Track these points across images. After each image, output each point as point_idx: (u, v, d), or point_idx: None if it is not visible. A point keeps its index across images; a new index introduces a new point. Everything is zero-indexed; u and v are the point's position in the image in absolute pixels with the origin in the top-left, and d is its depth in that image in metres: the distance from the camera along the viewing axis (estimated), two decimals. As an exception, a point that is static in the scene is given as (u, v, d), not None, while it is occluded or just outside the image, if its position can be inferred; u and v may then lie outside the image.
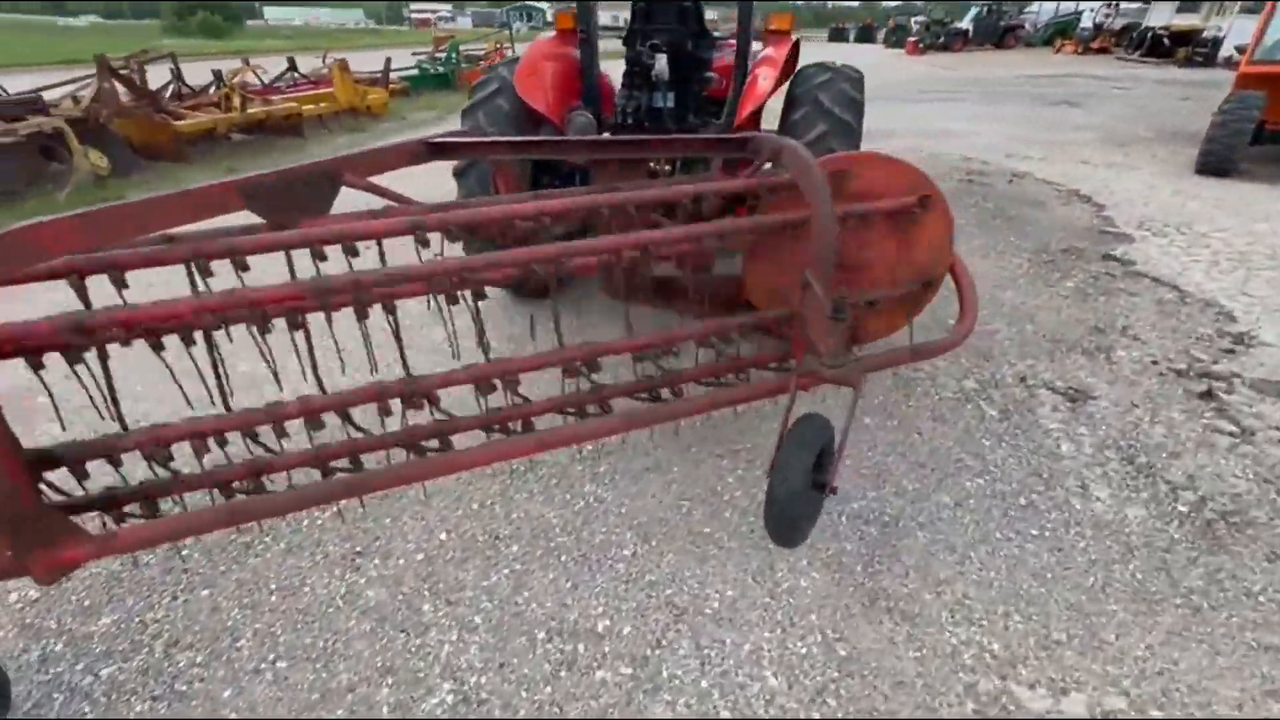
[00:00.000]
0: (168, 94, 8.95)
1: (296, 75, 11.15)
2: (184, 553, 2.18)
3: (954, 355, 3.38)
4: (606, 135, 3.10)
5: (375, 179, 2.14)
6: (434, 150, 2.38)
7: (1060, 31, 30.83)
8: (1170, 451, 2.67)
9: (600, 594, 2.03)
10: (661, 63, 3.30)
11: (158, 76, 9.08)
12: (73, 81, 7.64)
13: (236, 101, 8.32)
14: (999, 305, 3.99)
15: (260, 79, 11.11)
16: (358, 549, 2.20)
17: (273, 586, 2.06)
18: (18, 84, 8.34)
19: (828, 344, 1.98)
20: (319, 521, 2.31)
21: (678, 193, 1.96)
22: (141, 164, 7.31)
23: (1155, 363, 3.34)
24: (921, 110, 12.26)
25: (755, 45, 3.58)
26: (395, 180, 2.18)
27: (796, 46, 3.42)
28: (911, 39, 31.07)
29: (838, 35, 49.82)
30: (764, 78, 2.99)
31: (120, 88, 7.30)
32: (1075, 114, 11.64)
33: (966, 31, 31.32)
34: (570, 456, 2.64)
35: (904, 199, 2.11)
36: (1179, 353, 3.43)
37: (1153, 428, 2.82)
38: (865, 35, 46.12)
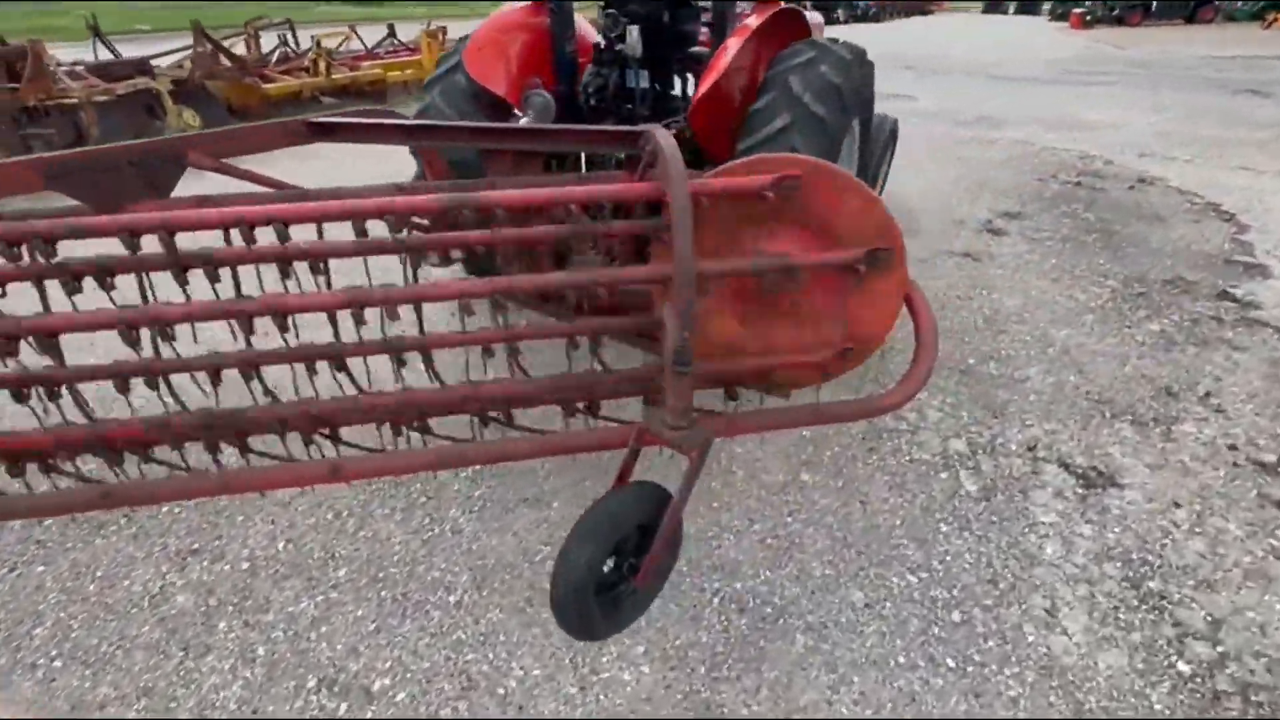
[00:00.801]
0: (274, 59, 9.57)
1: (395, 41, 11.55)
2: (46, 522, 2.21)
3: (952, 406, 2.78)
4: (523, 122, 2.76)
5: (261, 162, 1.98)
6: (317, 130, 2.18)
7: (1275, 3, 25.49)
8: (1201, 580, 1.99)
9: (398, 646, 1.80)
10: (633, 36, 2.88)
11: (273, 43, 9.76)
12: (188, 48, 8.32)
13: (323, 67, 8.72)
14: (1044, 345, 3.25)
15: (364, 44, 11.62)
16: (195, 546, 2.13)
17: (99, 574, 2.03)
18: (151, 49, 9.23)
19: (671, 399, 1.58)
20: (177, 511, 2.26)
21: (519, 198, 1.61)
22: (231, 123, 7.86)
23: (1233, 448, 2.54)
24: (1057, 96, 10.57)
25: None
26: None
27: (792, 16, 2.84)
28: (1077, 11, 27.08)
29: (994, 7, 44.66)
30: (729, 56, 2.50)
31: (220, 54, 7.84)
32: (1259, 107, 9.50)
33: (1148, 3, 26.76)
34: (454, 472, 2.41)
35: (843, 252, 1.58)
36: (1273, 439, 2.59)
37: (1189, 541, 2.12)
38: (1028, 7, 40.92)
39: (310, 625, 1.86)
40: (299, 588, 1.98)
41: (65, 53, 8.06)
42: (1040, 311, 3.57)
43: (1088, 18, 26.40)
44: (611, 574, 1.60)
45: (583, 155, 2.95)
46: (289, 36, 10.31)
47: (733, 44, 2.49)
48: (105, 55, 7.50)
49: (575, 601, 1.48)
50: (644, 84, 3.00)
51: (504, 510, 2.26)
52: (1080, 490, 2.33)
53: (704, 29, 3.13)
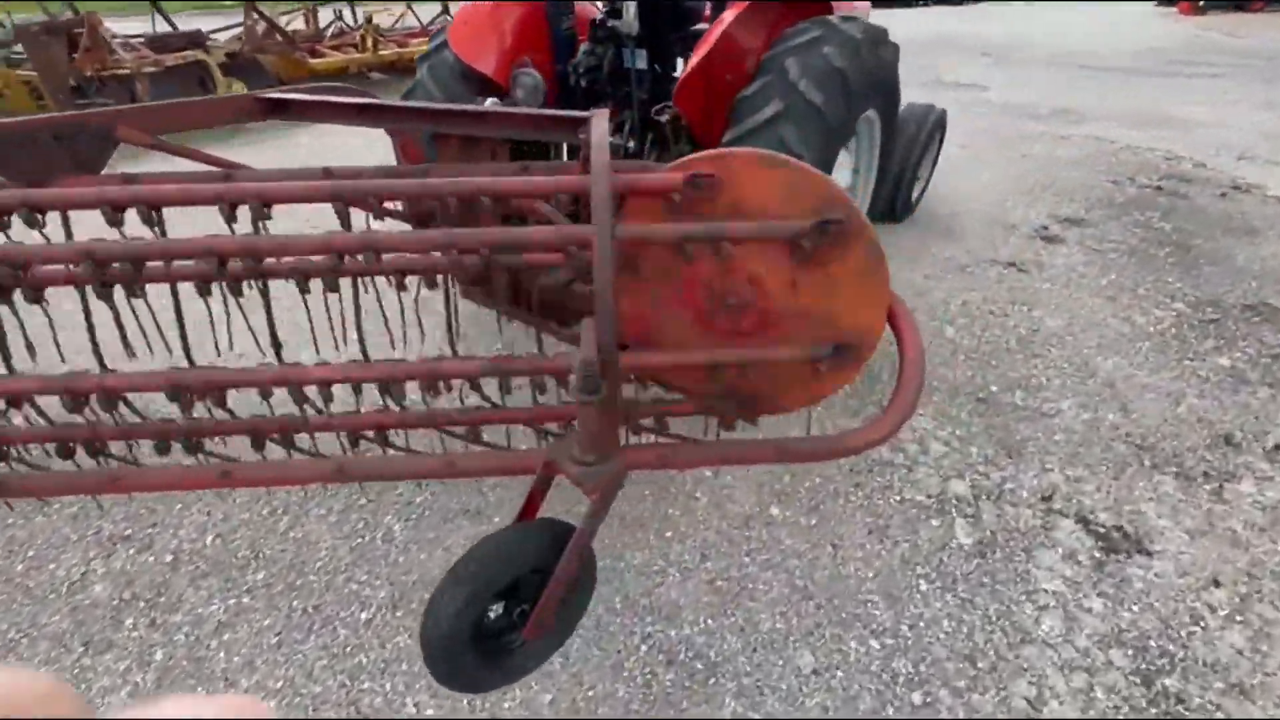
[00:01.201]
0: (328, 34, 9.72)
1: (448, 18, 11.55)
2: (-2, 495, 2.21)
3: (961, 439, 2.45)
4: (493, 103, 2.55)
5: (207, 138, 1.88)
6: (270, 107, 2.06)
7: None
8: (1233, 683, 1.64)
9: (295, 664, 1.69)
10: (629, 12, 2.63)
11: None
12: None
13: (370, 43, 8.78)
14: (1084, 375, 2.84)
15: (420, 21, 11.68)
16: (128, 533, 2.08)
17: (30, 554, 2.01)
18: (216, 22, 9.49)
19: (581, 429, 1.38)
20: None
21: (411, 188, 1.41)
22: (280, 98, 8.01)
23: (1301, 516, 2.13)
24: (1151, 89, 9.54)
25: None
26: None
27: None
28: (1190, -7, 24.54)
29: (1096, -13, 41.15)
30: (720, 32, 2.21)
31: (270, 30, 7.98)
32: (1399, 105, 8.29)
33: (1275, -15, 23.93)
34: (401, 475, 2.28)
35: (786, 222, 1.34)
36: (1356, 509, 2.15)
37: (1226, 631, 1.77)
38: (1135, -12, 37.47)
39: (214, 631, 1.77)
40: (214, 588, 1.90)
41: (130, 25, 8.40)
42: (1086, 334, 3.15)
43: (1200, 2, 23.91)
44: (500, 620, 1.43)
45: (564, 144, 2.74)
46: (345, 11, 10.45)
47: (728, 17, 2.21)
48: (165, 28, 7.74)
49: (443, 652, 1.31)
50: (641, 64, 2.75)
51: (442, 520, 2.12)
52: (1098, 554, 1.99)
53: (709, 5, 2.85)
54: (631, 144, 2.82)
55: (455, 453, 1.51)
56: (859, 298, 1.30)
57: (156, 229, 1.28)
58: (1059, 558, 1.98)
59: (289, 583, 1.91)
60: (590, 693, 1.63)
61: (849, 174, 2.74)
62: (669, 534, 2.07)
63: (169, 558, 1.99)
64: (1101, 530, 2.08)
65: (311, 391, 1.36)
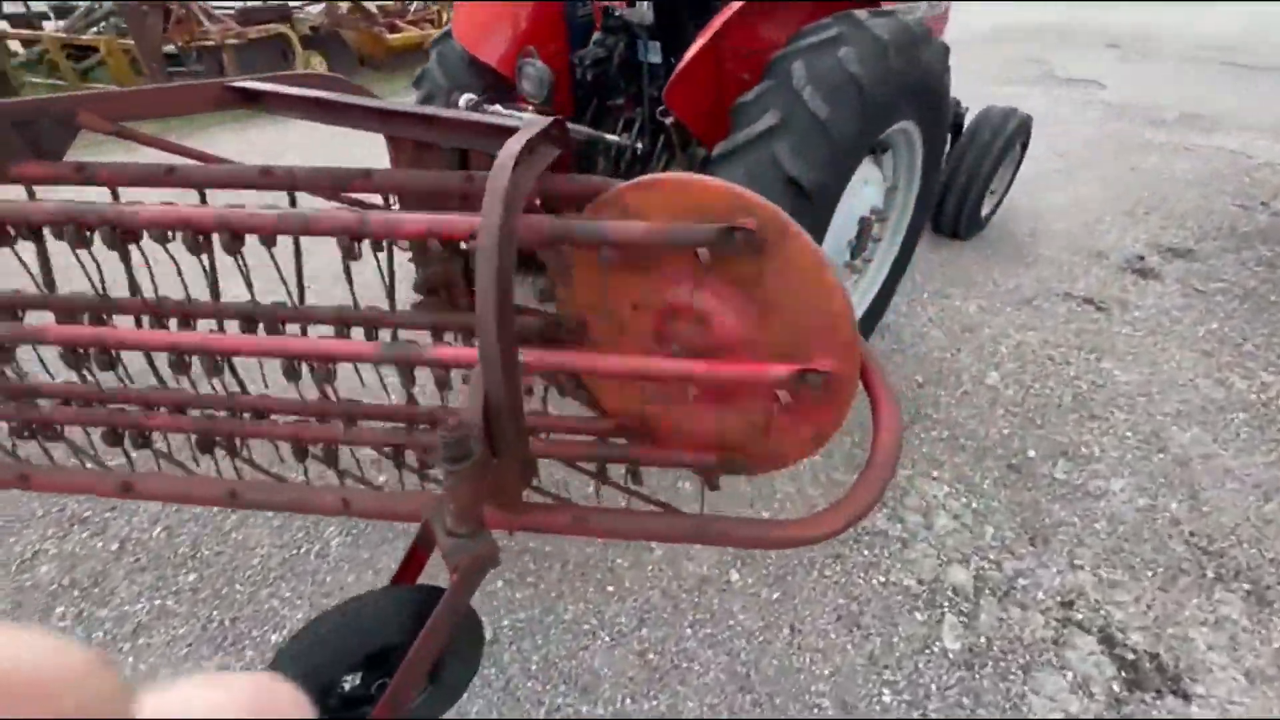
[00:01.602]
0: (411, 9, 9.89)
1: (531, -5, 11.50)
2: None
3: (976, 514, 2.10)
4: (468, 100, 2.35)
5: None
6: (239, 96, 1.98)
7: None
8: None
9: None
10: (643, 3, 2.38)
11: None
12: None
13: (444, 19, 8.85)
14: (1150, 448, 2.38)
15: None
16: (87, 514, 2.12)
17: (-2, 525, 2.08)
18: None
19: (449, 499, 1.20)
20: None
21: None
22: (357, 69, 8.23)
23: None
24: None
25: None
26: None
27: None
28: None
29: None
30: (718, 24, 1.90)
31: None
32: None
33: None
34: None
35: (678, 225, 1.08)
36: None
37: (1271, 821, 1.39)
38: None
39: (132, 633, 1.76)
40: (146, 584, 1.89)
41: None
42: (1164, 397, 2.65)
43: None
44: (357, 690, 1.30)
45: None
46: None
47: (734, 7, 1.92)
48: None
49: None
50: (655, 58, 2.49)
51: (381, 540, 2.02)
52: (1119, 687, 1.63)
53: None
54: (640, 145, 2.58)
55: (351, 490, 1.39)
56: (809, 325, 1.04)
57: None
58: (1067, 685, 1.64)
59: (215, 589, 1.87)
60: (476, 768, 1.48)
61: (878, 192, 2.38)
62: (610, 588, 1.88)
63: (115, 545, 2.01)
64: (1130, 656, 1.70)
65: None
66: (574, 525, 1.36)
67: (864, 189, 2.27)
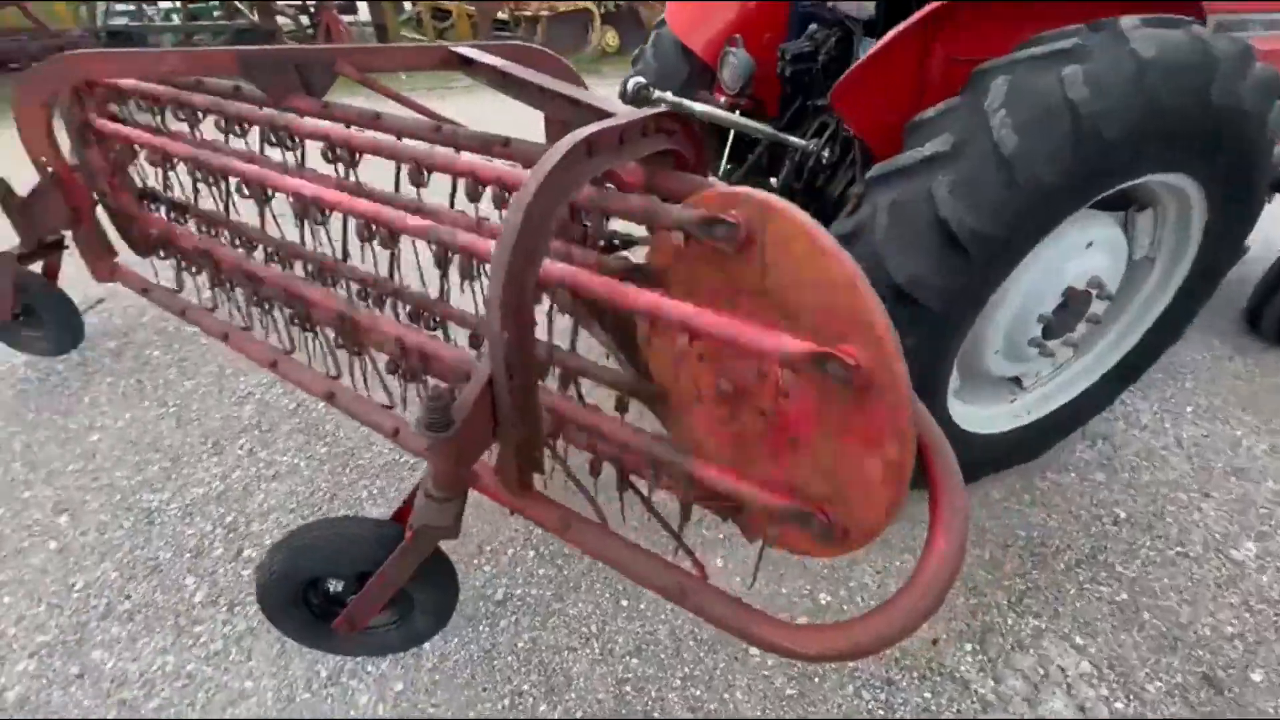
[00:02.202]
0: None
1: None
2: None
3: None
4: (636, 84, 2.18)
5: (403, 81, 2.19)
6: (458, 60, 2.23)
7: None
8: None
9: (151, 652, 1.67)
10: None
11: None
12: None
13: None
14: None
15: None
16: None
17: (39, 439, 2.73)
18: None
19: (430, 465, 1.25)
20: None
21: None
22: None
23: None
24: None
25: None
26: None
27: None
28: None
29: None
30: (915, 25, 1.50)
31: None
32: None
33: None
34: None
35: (770, 333, 0.95)
36: None
37: None
38: None
39: (272, 476, 2.20)
40: (295, 444, 2.33)
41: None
42: None
43: None
44: (325, 595, 1.45)
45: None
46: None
47: (946, 3, 1.56)
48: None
49: (267, 597, 1.39)
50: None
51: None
52: None
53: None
54: (827, 153, 2.31)
55: (338, 386, 1.58)
56: (830, 311, 0.90)
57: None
58: None
59: (334, 466, 2.24)
60: None
61: (1109, 260, 1.78)
62: (625, 603, 1.80)
63: (293, 406, 2.51)
64: None
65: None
66: (559, 527, 1.33)
67: (1083, 252, 1.72)
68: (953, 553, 1.03)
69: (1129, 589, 1.87)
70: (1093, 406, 2.17)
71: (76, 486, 2.14)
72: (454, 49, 2.23)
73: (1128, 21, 1.39)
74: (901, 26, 1.61)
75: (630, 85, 2.19)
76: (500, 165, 1.42)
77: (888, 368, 0.86)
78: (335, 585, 1.44)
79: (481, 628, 1.74)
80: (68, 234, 2.37)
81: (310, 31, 7.69)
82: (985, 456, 2.04)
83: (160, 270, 2.22)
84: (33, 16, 6.74)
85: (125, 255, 2.29)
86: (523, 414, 1.25)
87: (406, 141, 1.63)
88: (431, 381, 1.49)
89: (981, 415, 2.03)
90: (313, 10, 7.64)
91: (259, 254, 2.03)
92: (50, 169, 2.17)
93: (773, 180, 2.50)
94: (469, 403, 1.20)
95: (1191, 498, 2.16)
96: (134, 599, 1.80)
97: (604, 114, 1.52)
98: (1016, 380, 2.12)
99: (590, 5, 7.98)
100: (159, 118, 2.09)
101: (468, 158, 1.45)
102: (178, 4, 7.22)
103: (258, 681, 1.60)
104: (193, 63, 2.10)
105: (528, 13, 7.60)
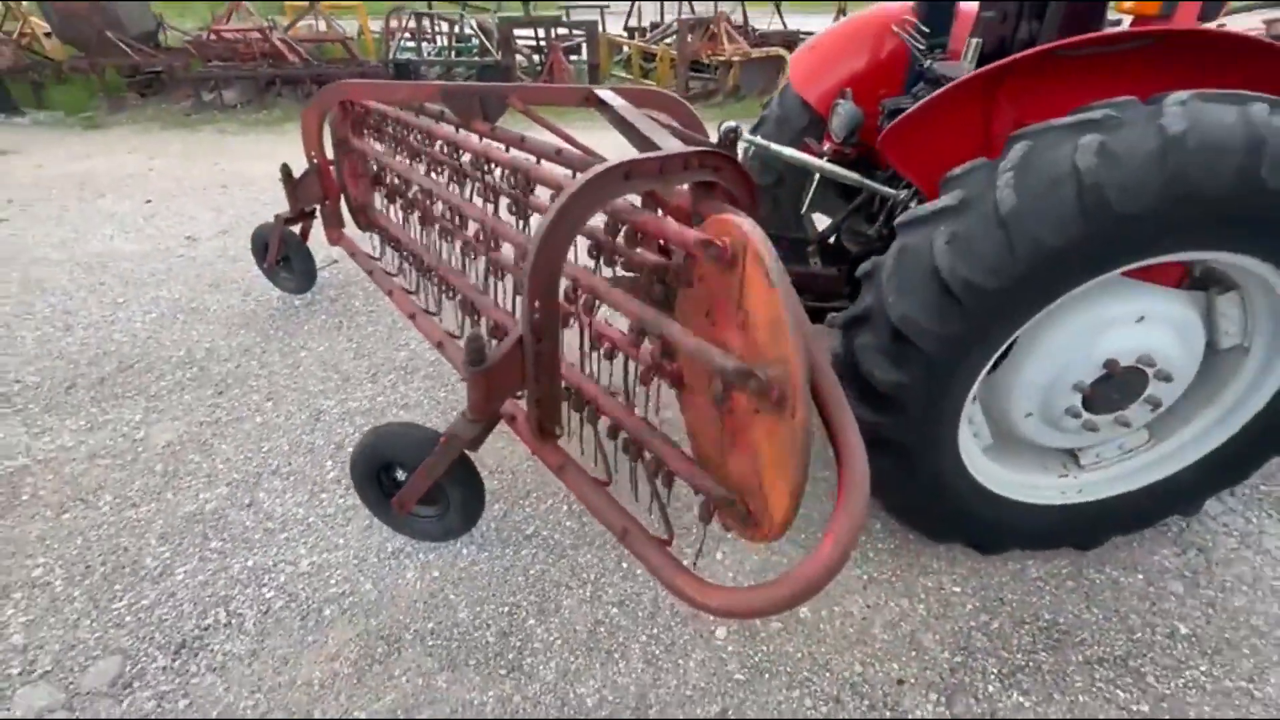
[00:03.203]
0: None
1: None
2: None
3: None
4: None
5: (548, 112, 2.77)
6: (596, 100, 2.72)
7: None
8: None
9: (292, 503, 2.54)
10: (970, 51, 2.07)
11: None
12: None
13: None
14: None
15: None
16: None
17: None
18: (820, 22, 10.84)
19: (469, 392, 1.67)
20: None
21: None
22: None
23: None
24: None
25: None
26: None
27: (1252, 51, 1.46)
28: None
29: None
30: (965, 84, 1.50)
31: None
32: None
33: None
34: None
35: (711, 349, 1.21)
36: None
37: None
38: None
39: (392, 391, 2.84)
40: (417, 386, 2.97)
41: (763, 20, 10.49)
42: None
43: None
44: (394, 481, 1.93)
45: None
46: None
47: (1002, 64, 1.63)
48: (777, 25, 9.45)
49: (354, 470, 1.91)
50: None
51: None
52: None
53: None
54: (915, 203, 2.39)
55: (448, 339, 2.08)
56: (765, 337, 1.11)
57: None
58: None
59: (433, 384, 2.82)
60: (452, 597, 1.98)
61: (1178, 339, 1.64)
62: (626, 566, 2.07)
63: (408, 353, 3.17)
64: None
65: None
66: (557, 468, 1.68)
67: (1131, 326, 1.64)
68: (835, 559, 1.13)
69: (1153, 703, 1.69)
70: (1166, 505, 1.96)
71: (282, 385, 2.97)
72: (596, 90, 2.72)
73: (1177, 95, 1.38)
74: (957, 81, 1.72)
75: (722, 128, 2.49)
76: (561, 174, 1.82)
77: (796, 396, 1.04)
78: (401, 475, 1.93)
79: (508, 550, 2.13)
80: (318, 208, 3.28)
81: (540, 68, 9.04)
82: (1018, 526, 1.96)
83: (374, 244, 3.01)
84: (350, 50, 8.89)
85: (350, 229, 3.12)
86: (543, 372, 1.62)
87: (517, 154, 2.11)
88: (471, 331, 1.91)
89: (1020, 482, 1.96)
90: (545, 50, 8.99)
91: (426, 238, 2.66)
92: (314, 160, 3.06)
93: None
94: (500, 352, 1.61)
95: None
96: (292, 466, 2.49)
97: (677, 150, 1.86)
98: (1075, 456, 2.01)
99: (783, 52, 8.33)
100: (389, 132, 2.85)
101: (548, 167, 1.89)
102: (445, 44, 8.99)
103: (347, 541, 2.16)
104: (413, 92, 2.84)
105: (722, 57, 8.17)
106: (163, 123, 7.97)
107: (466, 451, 1.80)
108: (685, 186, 1.68)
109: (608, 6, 10.53)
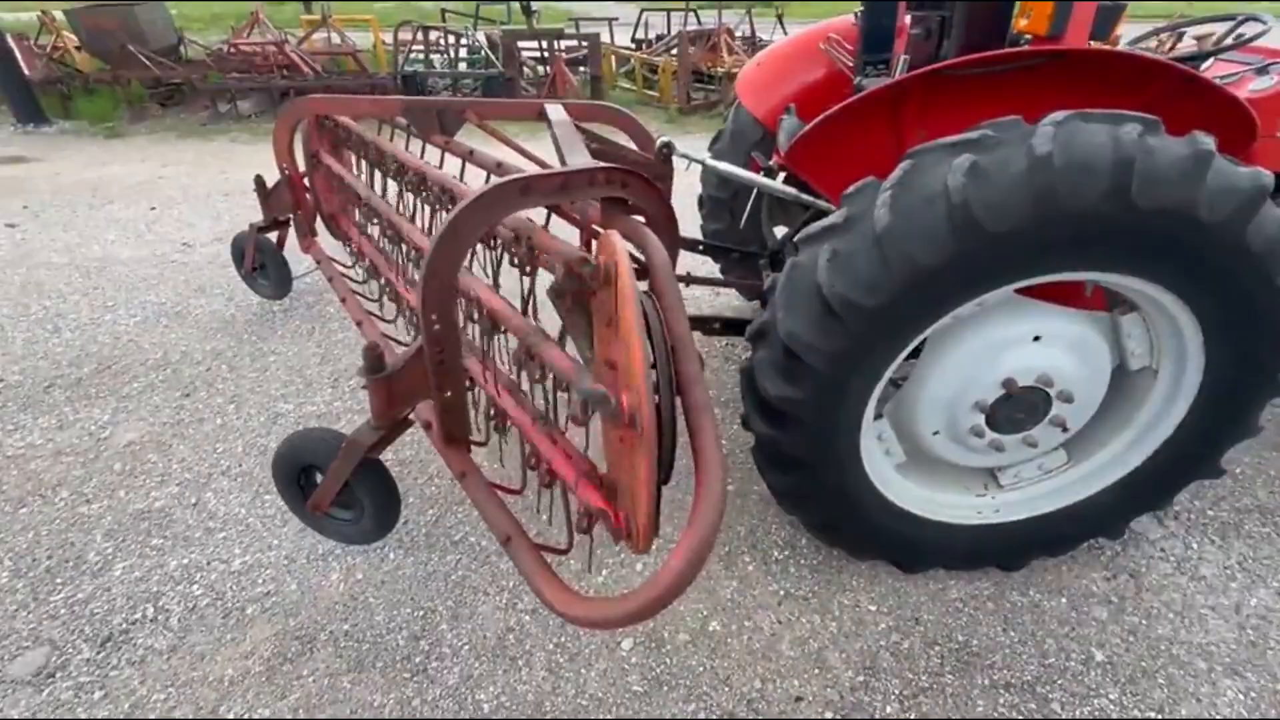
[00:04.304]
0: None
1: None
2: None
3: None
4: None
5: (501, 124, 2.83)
6: (543, 116, 2.77)
7: None
8: None
9: (237, 504, 2.64)
10: (900, 69, 2.07)
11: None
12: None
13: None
14: None
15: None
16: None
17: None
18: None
19: (370, 399, 1.71)
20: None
21: None
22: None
23: None
24: None
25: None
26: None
27: (1174, 79, 1.44)
28: None
29: None
30: (868, 99, 1.49)
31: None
32: None
33: None
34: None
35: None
36: None
37: None
38: None
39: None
40: (383, 393, 3.04)
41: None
42: None
43: None
44: (311, 484, 1.97)
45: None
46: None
47: (909, 77, 1.64)
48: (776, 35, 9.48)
49: (276, 472, 1.96)
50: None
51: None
52: None
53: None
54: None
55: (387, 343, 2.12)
56: (624, 360, 1.14)
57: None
58: None
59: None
60: (371, 600, 2.02)
61: (1078, 360, 1.61)
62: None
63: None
64: None
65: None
66: (458, 474, 1.72)
67: (1028, 345, 1.63)
68: (684, 573, 1.14)
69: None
70: (1087, 527, 1.92)
71: (247, 388, 3.07)
72: (546, 105, 2.77)
73: (1054, 115, 1.38)
74: (861, 95, 1.73)
75: (658, 142, 2.52)
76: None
77: (643, 415, 1.07)
78: (318, 477, 1.98)
79: (434, 555, 2.17)
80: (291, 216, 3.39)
81: (544, 80, 9.18)
82: (936, 545, 1.94)
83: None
84: (360, 63, 9.13)
85: (324, 238, 3.22)
86: (445, 381, 1.66)
87: (442, 172, 2.16)
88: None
89: (937, 500, 1.94)
90: (549, 62, 9.13)
91: (382, 245, 2.73)
92: (286, 171, 3.17)
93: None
94: (400, 361, 1.65)
95: (1214, 670, 1.79)
96: (243, 467, 2.57)
97: (582, 167, 1.90)
98: (995, 476, 1.98)
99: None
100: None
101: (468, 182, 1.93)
102: (453, 57, 9.18)
103: (281, 542, 2.22)
104: (376, 107, 2.92)
105: (723, 68, 8.21)
106: (180, 132, 8.27)
107: (380, 459, 1.85)
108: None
109: (616, 19, 10.67)
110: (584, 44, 8.97)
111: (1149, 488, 1.84)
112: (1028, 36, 1.75)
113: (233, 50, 9.11)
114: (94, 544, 2.22)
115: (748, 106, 2.78)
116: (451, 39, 9.06)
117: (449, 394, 1.67)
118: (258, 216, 3.36)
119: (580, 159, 1.84)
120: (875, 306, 1.45)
